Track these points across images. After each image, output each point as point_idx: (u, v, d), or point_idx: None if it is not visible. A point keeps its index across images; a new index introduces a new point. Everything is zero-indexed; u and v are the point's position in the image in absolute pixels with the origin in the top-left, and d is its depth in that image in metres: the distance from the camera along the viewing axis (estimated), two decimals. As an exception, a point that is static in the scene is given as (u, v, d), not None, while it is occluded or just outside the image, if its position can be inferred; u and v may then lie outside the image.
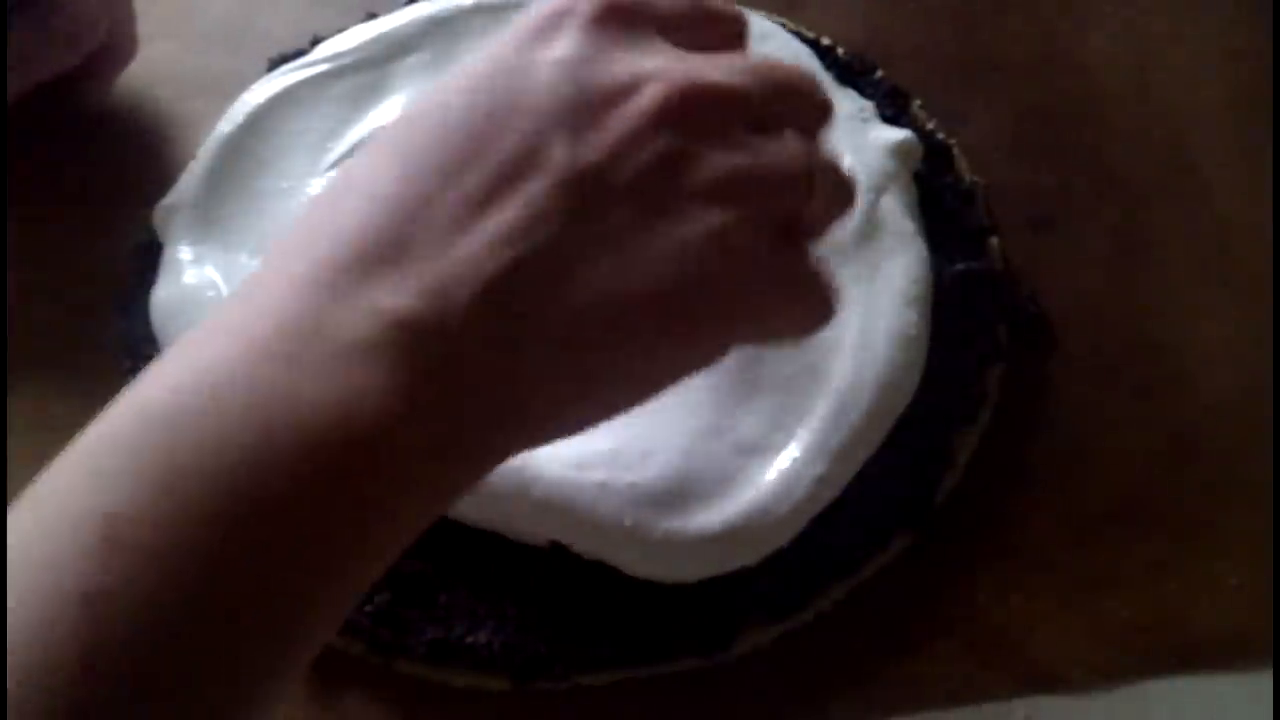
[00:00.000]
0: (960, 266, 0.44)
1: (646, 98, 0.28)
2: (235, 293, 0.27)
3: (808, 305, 0.31)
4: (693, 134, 0.28)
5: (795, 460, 0.39)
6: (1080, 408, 0.43)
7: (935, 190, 0.46)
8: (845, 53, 0.49)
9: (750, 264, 0.29)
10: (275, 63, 0.51)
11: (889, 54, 0.50)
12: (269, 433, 0.24)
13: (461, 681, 0.38)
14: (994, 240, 0.46)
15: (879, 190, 0.44)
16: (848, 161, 0.44)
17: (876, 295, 0.42)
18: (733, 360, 0.40)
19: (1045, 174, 0.49)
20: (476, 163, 0.27)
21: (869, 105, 0.46)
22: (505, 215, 0.27)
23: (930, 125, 0.48)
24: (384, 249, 0.26)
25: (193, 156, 0.48)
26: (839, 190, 0.33)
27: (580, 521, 0.38)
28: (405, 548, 0.27)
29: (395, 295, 0.26)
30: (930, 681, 0.39)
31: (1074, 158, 0.49)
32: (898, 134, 0.45)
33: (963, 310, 0.43)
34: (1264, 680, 0.37)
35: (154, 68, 0.53)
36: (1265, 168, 0.47)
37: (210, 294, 0.44)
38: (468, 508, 0.39)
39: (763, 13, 0.50)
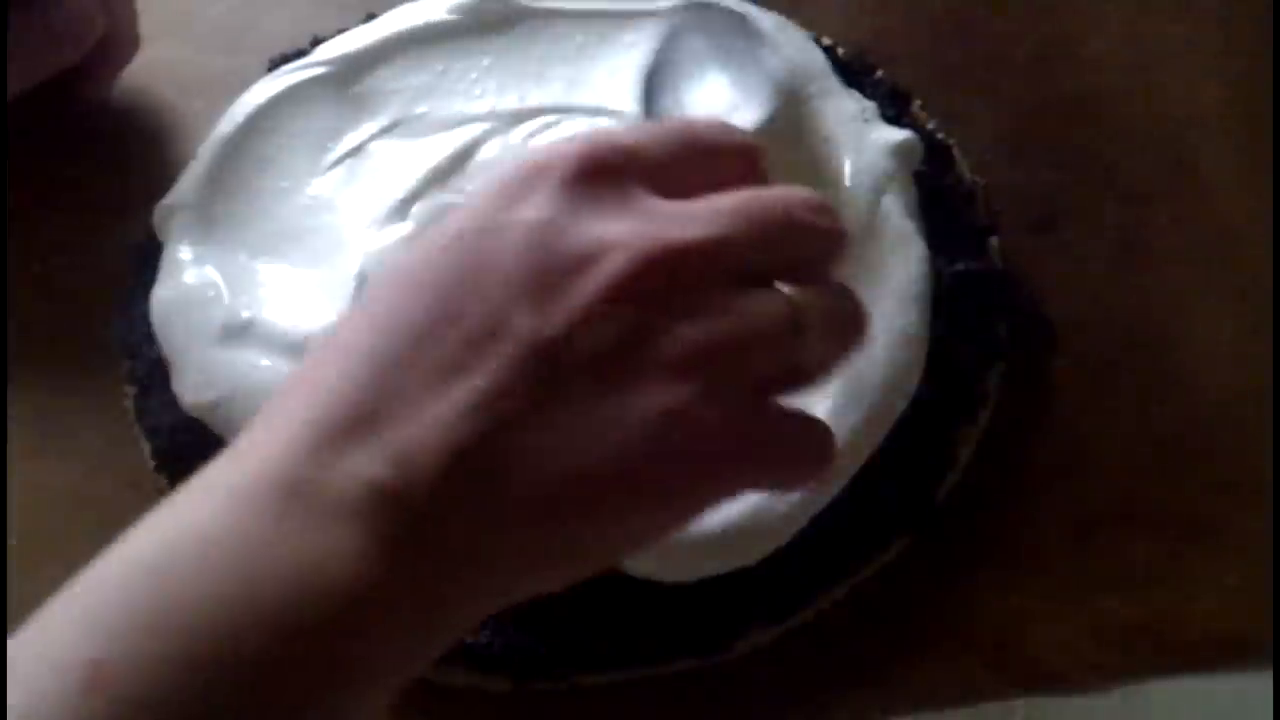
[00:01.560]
0: (960, 266, 0.44)
1: (607, 269, 0.28)
2: (227, 450, 0.28)
3: (789, 463, 0.31)
4: (655, 304, 0.28)
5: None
6: (1080, 408, 0.43)
7: (935, 190, 0.46)
8: (845, 53, 0.49)
9: (718, 434, 0.28)
10: (275, 63, 0.51)
11: (889, 54, 0.50)
12: (252, 588, 0.25)
13: (461, 681, 0.38)
14: (994, 240, 0.46)
15: (879, 191, 0.44)
16: (848, 168, 0.44)
17: (876, 295, 0.42)
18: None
19: (1045, 174, 0.49)
20: (447, 328, 0.27)
21: (871, 106, 0.46)
22: (471, 383, 0.27)
23: (930, 125, 0.48)
24: (361, 412, 0.27)
25: (193, 156, 0.48)
26: (843, 329, 0.32)
27: None
28: (389, 700, 0.27)
29: (368, 462, 0.26)
30: (930, 681, 0.39)
31: (1074, 158, 0.49)
32: (898, 134, 0.45)
33: (963, 310, 0.43)
34: (1264, 680, 0.37)
35: (154, 68, 0.54)
36: (1265, 168, 0.47)
37: (210, 294, 0.44)
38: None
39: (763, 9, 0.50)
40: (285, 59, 0.51)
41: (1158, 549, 0.40)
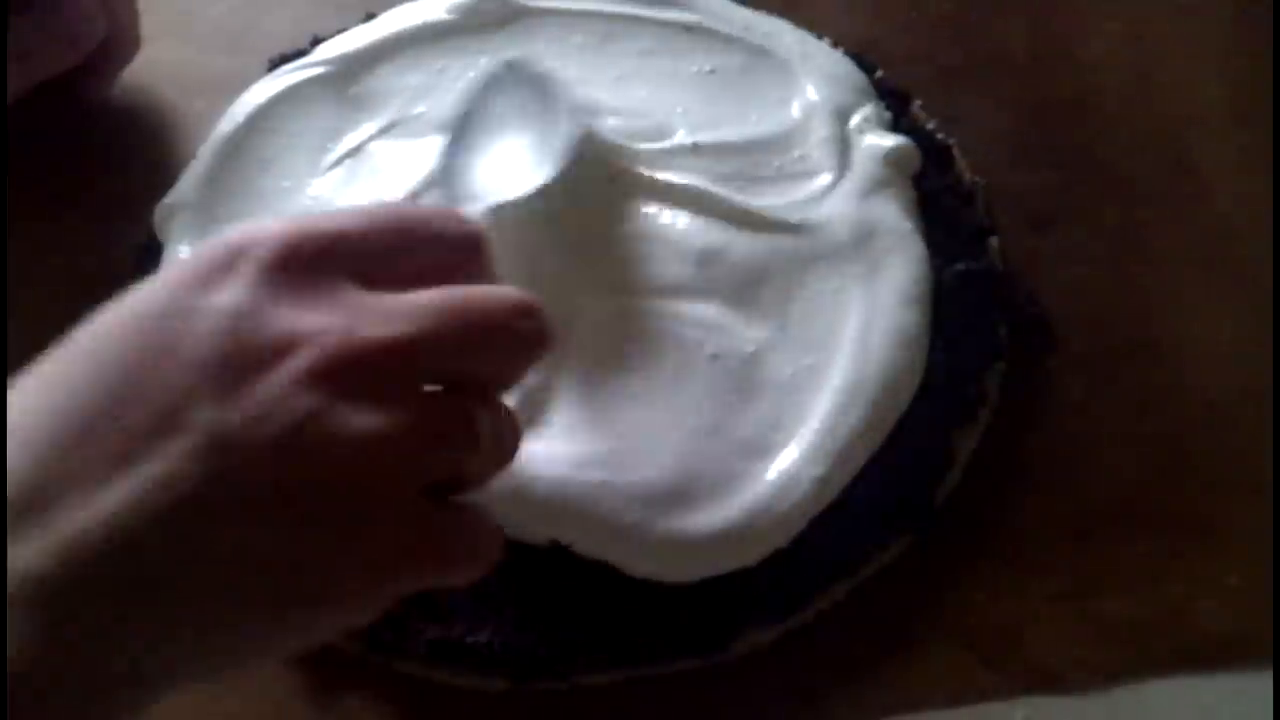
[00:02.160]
0: (960, 266, 0.44)
1: (294, 365, 0.27)
2: None
3: (457, 561, 0.31)
4: (341, 397, 0.28)
5: (795, 460, 0.39)
6: (1080, 408, 0.43)
7: (935, 190, 0.46)
8: (845, 53, 0.49)
9: (390, 529, 0.28)
10: (275, 63, 0.51)
11: (889, 54, 0.50)
12: None
13: (461, 681, 0.38)
14: (994, 240, 0.46)
15: (869, 195, 0.44)
16: (838, 172, 0.44)
17: (876, 295, 0.42)
18: (733, 361, 0.41)
19: (1045, 174, 0.49)
20: (125, 411, 0.27)
21: (870, 109, 0.46)
22: (145, 471, 0.26)
23: (930, 125, 0.48)
24: (32, 497, 0.26)
25: (193, 156, 0.48)
26: (505, 451, 0.32)
27: (580, 521, 0.38)
28: None
29: (33, 553, 0.26)
30: (930, 681, 0.39)
31: (1074, 158, 0.49)
32: (889, 141, 0.45)
33: (963, 310, 0.43)
34: (1264, 680, 0.37)
35: (155, 68, 0.54)
36: (1265, 168, 0.47)
37: (210, 294, 0.44)
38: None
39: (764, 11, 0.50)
40: (285, 59, 0.51)
41: (1158, 549, 0.40)
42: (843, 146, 0.45)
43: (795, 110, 0.46)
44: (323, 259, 0.29)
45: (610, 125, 0.45)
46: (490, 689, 0.38)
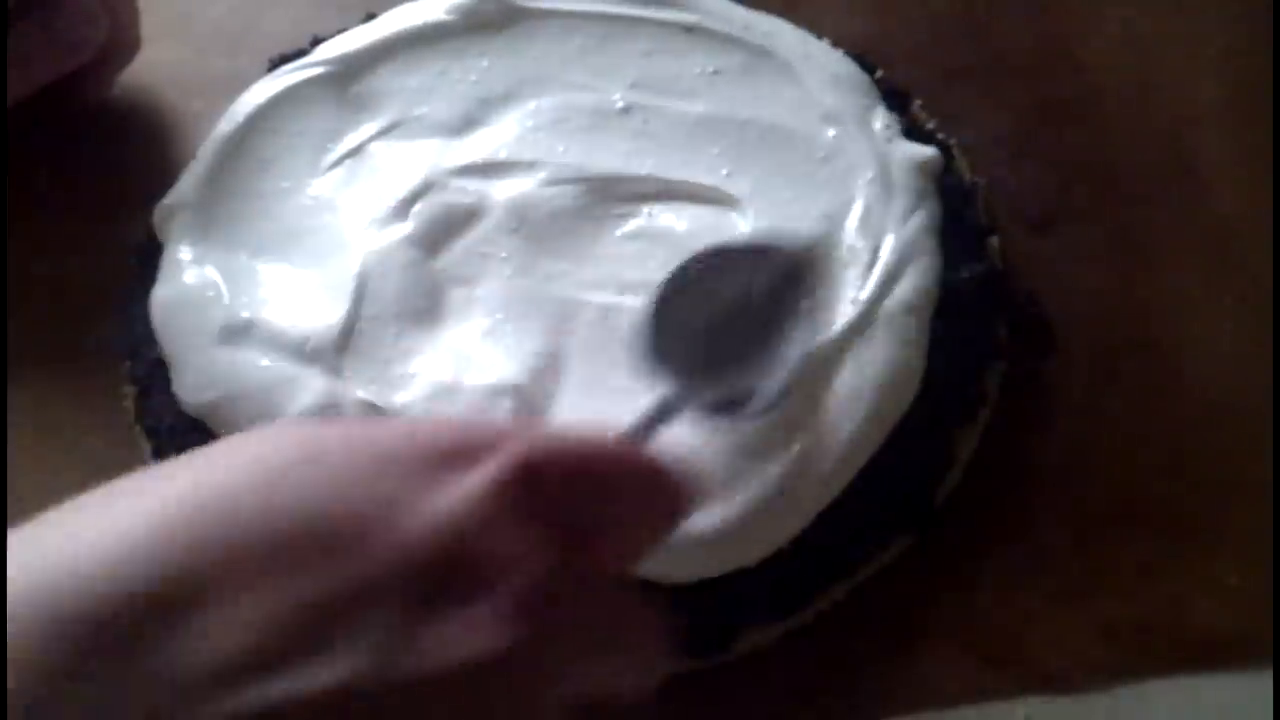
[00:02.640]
0: (966, 274, 0.43)
1: (493, 609, 0.25)
2: None
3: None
4: (532, 639, 0.25)
5: (795, 461, 0.39)
6: (1080, 408, 0.43)
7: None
8: (845, 53, 0.49)
9: None
10: (275, 63, 0.51)
11: (889, 54, 0.50)
12: None
13: (461, 681, 0.38)
14: (994, 240, 0.46)
15: (913, 211, 0.43)
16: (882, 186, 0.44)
17: (885, 300, 0.42)
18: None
19: (1045, 174, 0.49)
20: (297, 572, 0.24)
21: (894, 119, 0.46)
22: (302, 666, 0.23)
23: (930, 125, 0.48)
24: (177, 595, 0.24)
25: (193, 156, 0.48)
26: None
27: None
28: None
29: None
30: (930, 681, 0.39)
31: (1074, 158, 0.49)
32: (924, 151, 0.45)
33: (963, 310, 0.43)
34: (1264, 680, 0.37)
35: (154, 68, 0.54)
36: (1265, 168, 0.47)
37: (210, 294, 0.44)
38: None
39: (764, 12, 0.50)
40: (285, 59, 0.51)
41: (1158, 549, 0.40)
42: (875, 154, 0.45)
43: (809, 113, 0.46)
44: (554, 482, 0.27)
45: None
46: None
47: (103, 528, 0.24)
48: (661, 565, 0.38)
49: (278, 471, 0.25)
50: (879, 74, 0.49)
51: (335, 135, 0.48)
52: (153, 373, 0.44)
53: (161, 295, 0.45)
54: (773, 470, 0.39)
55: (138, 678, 0.23)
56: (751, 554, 0.38)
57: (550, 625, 0.26)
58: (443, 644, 0.24)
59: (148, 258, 0.47)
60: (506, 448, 0.26)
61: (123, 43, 0.51)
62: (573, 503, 0.27)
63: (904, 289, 0.42)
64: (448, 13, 0.50)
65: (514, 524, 0.26)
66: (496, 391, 0.41)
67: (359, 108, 0.48)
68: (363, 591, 0.24)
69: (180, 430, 0.43)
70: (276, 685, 0.23)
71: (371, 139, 0.47)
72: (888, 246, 0.42)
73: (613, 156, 0.45)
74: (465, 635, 0.25)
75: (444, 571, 0.25)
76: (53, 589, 0.24)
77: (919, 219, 0.43)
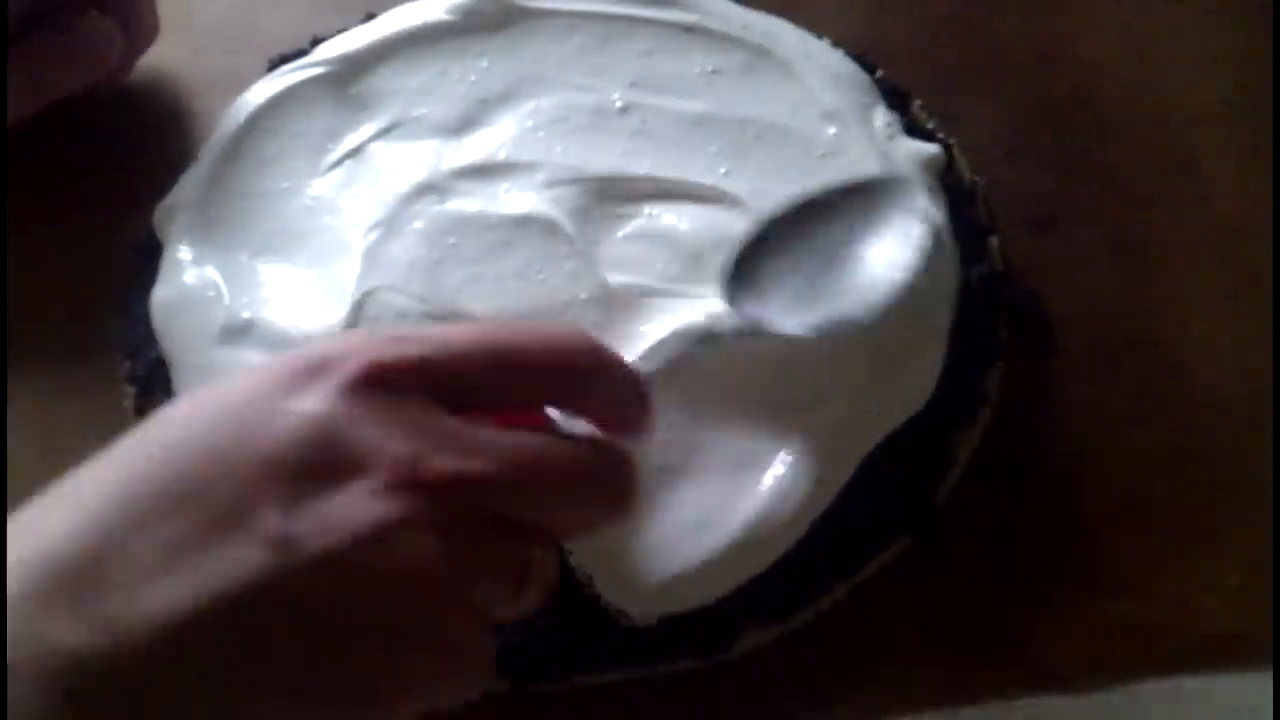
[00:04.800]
0: (973, 277, 0.43)
1: (361, 484, 0.28)
2: None
3: (474, 683, 0.31)
4: (404, 521, 0.28)
5: (793, 464, 0.39)
6: (1080, 408, 0.43)
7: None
8: (845, 53, 0.49)
9: (435, 647, 0.29)
10: (275, 63, 0.51)
11: (889, 54, 0.50)
12: None
13: (461, 681, 0.38)
14: (994, 240, 0.46)
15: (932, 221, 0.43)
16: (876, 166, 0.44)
17: (910, 313, 0.42)
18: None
19: (1045, 174, 0.49)
20: (191, 504, 0.27)
21: (894, 118, 0.46)
22: (206, 567, 0.27)
23: (930, 125, 0.48)
24: (84, 572, 0.27)
25: (193, 156, 0.48)
26: (542, 590, 0.32)
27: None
28: None
29: (79, 626, 0.26)
30: (930, 681, 0.39)
31: (1074, 158, 0.49)
32: (927, 148, 0.45)
33: (963, 310, 0.43)
34: (1264, 680, 0.37)
35: (155, 68, 0.54)
36: (1265, 168, 0.47)
37: (210, 294, 0.44)
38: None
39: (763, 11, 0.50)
40: (285, 59, 0.51)
41: (1158, 549, 0.40)
42: (878, 153, 0.45)
43: (809, 111, 0.46)
44: (411, 379, 0.30)
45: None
46: (490, 689, 0.38)
47: (65, 504, 0.29)
48: (665, 600, 0.38)
49: (179, 424, 0.29)
50: (879, 73, 0.49)
51: (335, 135, 0.48)
52: (153, 373, 0.44)
53: (162, 295, 0.45)
54: (768, 477, 0.39)
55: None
56: (758, 565, 0.38)
57: (415, 511, 0.28)
58: (328, 521, 0.27)
59: (148, 258, 0.47)
60: (356, 354, 0.29)
61: (141, 28, 0.51)
62: (434, 386, 0.30)
63: (934, 312, 0.42)
64: (447, 13, 0.50)
65: (371, 418, 0.29)
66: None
67: (359, 108, 0.48)
68: (248, 490, 0.28)
69: (180, 430, 0.43)
70: (192, 580, 0.27)
71: (371, 139, 0.47)
72: None
73: (612, 156, 0.45)
74: (348, 509, 0.28)
75: (317, 462, 0.28)
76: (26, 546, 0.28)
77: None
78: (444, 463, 0.29)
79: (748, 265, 0.40)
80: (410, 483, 0.28)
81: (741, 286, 0.39)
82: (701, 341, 0.38)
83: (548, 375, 0.32)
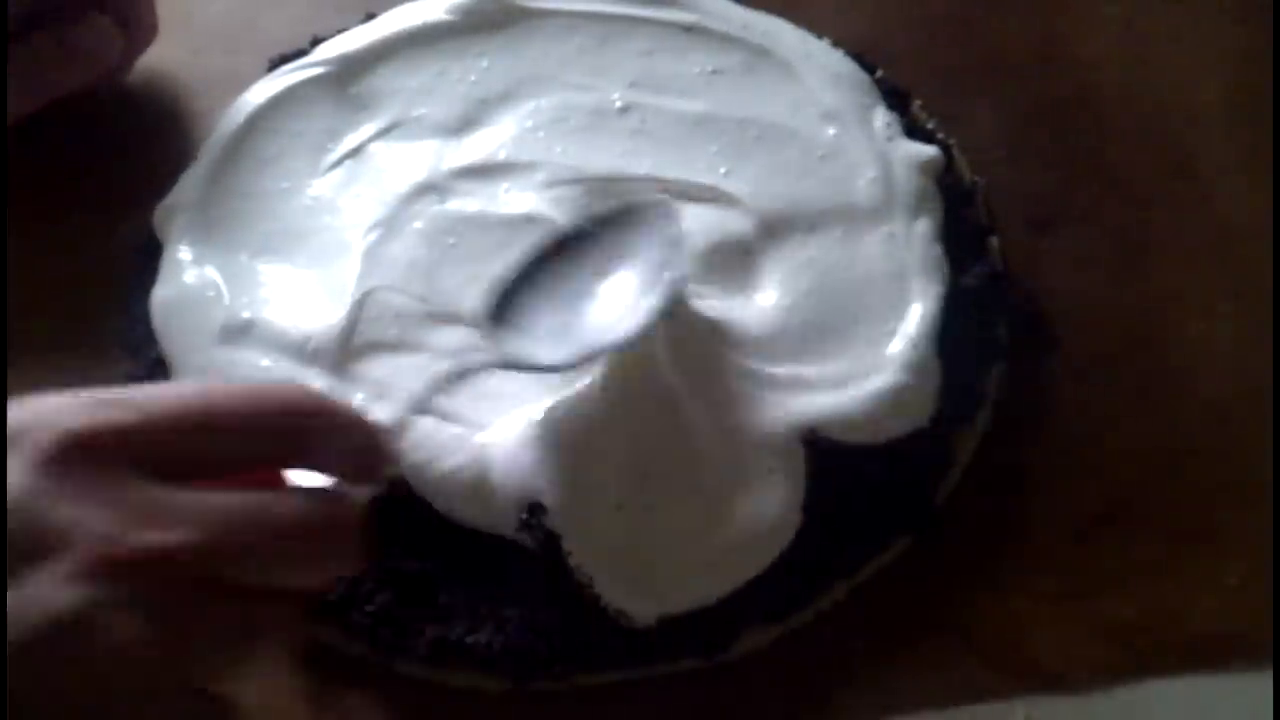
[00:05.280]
0: (970, 281, 0.43)
1: (56, 567, 0.27)
2: None
3: None
4: (104, 601, 0.27)
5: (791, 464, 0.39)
6: (1080, 408, 0.43)
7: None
8: (845, 53, 0.49)
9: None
10: (275, 63, 0.51)
11: (889, 54, 0.50)
12: None
13: (461, 681, 0.38)
14: (994, 240, 0.46)
15: (915, 212, 0.43)
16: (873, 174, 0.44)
17: (897, 319, 0.42)
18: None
19: (1045, 174, 0.49)
20: None
21: (894, 118, 0.46)
22: None
23: (930, 125, 0.48)
24: None
25: (193, 156, 0.48)
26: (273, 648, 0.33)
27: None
28: None
29: None
30: (930, 681, 0.38)
31: (1074, 158, 0.49)
32: (925, 150, 0.45)
33: (963, 310, 0.43)
34: (1264, 680, 0.37)
35: (154, 68, 0.54)
36: (1265, 168, 0.47)
37: (210, 294, 0.44)
38: (470, 511, 0.39)
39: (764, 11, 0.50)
40: (285, 59, 0.51)
41: (1158, 549, 0.40)
42: (876, 154, 0.45)
43: (809, 111, 0.46)
44: (110, 450, 0.29)
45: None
46: (490, 689, 0.38)
47: None
48: (664, 602, 0.38)
49: None
50: (879, 74, 0.49)
51: (335, 135, 0.48)
52: (153, 373, 0.44)
53: (161, 295, 0.45)
54: (766, 478, 0.39)
55: None
56: (757, 565, 0.38)
57: (116, 589, 0.27)
58: (21, 611, 0.26)
59: (148, 258, 0.47)
60: (51, 425, 0.28)
61: (140, 28, 0.51)
62: (137, 455, 0.29)
63: (918, 309, 0.42)
64: (447, 13, 0.50)
65: (67, 495, 0.28)
66: (497, 391, 0.41)
67: (359, 108, 0.48)
68: None
69: (180, 430, 0.43)
70: None
71: (371, 139, 0.47)
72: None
73: (612, 156, 0.45)
74: (41, 597, 0.27)
75: (16, 543, 0.27)
76: None
77: (924, 224, 0.43)
78: (142, 538, 0.28)
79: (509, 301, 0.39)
80: (108, 562, 0.27)
81: (502, 322, 0.38)
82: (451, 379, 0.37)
83: (265, 436, 0.31)
